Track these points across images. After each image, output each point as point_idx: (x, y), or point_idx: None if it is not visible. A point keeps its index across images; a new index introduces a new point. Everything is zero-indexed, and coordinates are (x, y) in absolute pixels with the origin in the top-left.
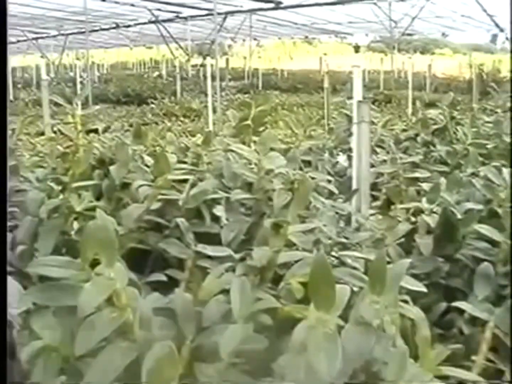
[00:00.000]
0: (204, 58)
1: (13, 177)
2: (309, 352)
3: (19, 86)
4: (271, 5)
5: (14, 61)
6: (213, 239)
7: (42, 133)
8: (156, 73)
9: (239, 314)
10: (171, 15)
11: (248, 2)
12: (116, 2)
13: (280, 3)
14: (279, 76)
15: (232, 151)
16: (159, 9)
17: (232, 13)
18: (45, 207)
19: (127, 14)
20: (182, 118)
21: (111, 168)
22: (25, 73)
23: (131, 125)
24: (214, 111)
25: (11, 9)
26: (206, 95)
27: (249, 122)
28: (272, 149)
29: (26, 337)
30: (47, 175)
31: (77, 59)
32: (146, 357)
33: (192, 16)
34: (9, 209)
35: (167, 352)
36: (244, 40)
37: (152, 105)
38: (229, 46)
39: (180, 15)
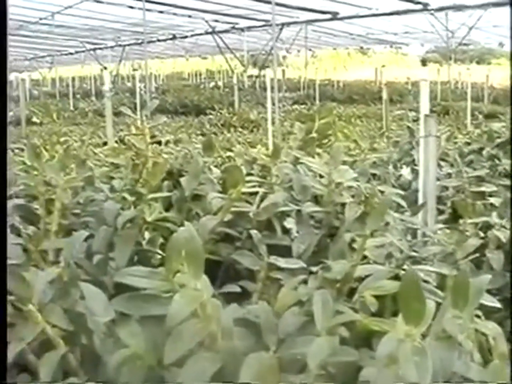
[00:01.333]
0: (261, 69)
1: (88, 186)
2: (401, 365)
3: (78, 96)
4: (328, 16)
5: (72, 71)
6: (283, 251)
7: (105, 143)
8: (212, 84)
9: (322, 326)
10: (227, 26)
11: (305, 13)
12: (174, 14)
13: (337, 13)
14: (335, 87)
15: (302, 163)
16: (216, 20)
17: (288, 24)
18: (121, 217)
19: (184, 25)
20: (240, 129)
21: (182, 179)
22: (83, 83)
23: (190, 136)
24: (272, 122)
25: (72, 21)
26: (262, 106)
27: (314, 134)
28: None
29: (110, 345)
30: (119, 185)
31: (135, 69)
32: (245, 367)
33: (248, 27)
34: (84, 219)
35: (266, 363)
36: (298, 51)
37: (210, 116)
38: (284, 57)
39: (236, 26)
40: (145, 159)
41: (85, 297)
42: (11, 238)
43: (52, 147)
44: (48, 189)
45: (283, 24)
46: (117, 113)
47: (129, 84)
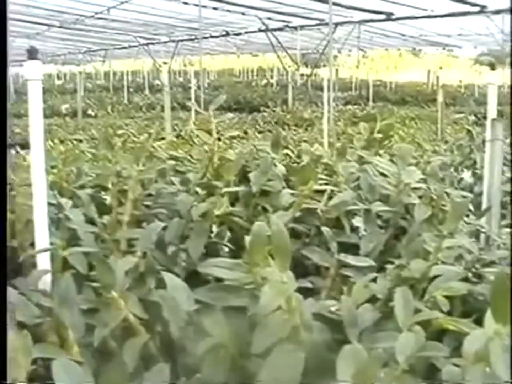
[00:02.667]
0: (313, 68)
1: (161, 179)
2: (492, 363)
3: (131, 90)
4: (382, 16)
5: (123, 65)
6: (350, 249)
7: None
8: (264, 81)
9: (403, 323)
10: (280, 24)
11: (359, 13)
12: (228, 11)
13: (392, 14)
14: (387, 87)
15: (367, 163)
16: (269, 18)
17: (342, 23)
18: (196, 210)
19: (237, 22)
20: (294, 127)
21: (251, 174)
22: (135, 77)
23: (245, 132)
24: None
25: (127, 16)
26: (315, 104)
27: (376, 135)
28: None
29: (192, 333)
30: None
31: (191, 65)
32: (341, 359)
33: (302, 26)
34: (156, 210)
35: (362, 355)
36: (350, 51)
37: (264, 113)
38: (335, 56)
39: (290, 25)
40: (212, 154)
41: (168, 286)
42: (85, 227)
43: (111, 139)
44: (120, 180)
45: (337, 24)
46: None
47: (181, 79)
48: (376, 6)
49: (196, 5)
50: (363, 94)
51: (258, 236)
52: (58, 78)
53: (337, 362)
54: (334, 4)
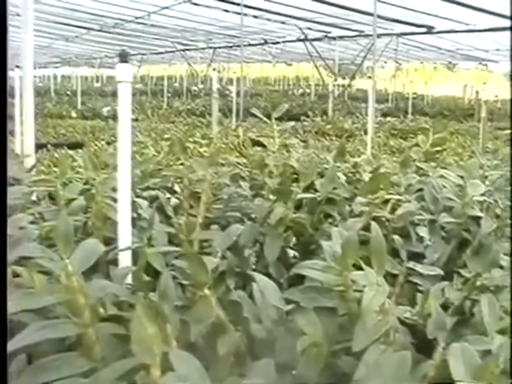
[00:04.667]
0: (351, 79)
1: (233, 183)
2: None
3: (168, 94)
4: (423, 29)
5: (159, 70)
6: (413, 258)
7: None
8: (301, 91)
9: (490, 327)
10: (319, 34)
11: (399, 25)
12: (268, 20)
13: (432, 28)
14: (425, 101)
15: (427, 175)
16: (309, 28)
17: (380, 35)
18: (273, 215)
19: (276, 31)
20: (334, 138)
21: (318, 182)
22: (172, 82)
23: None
24: (365, 132)
25: (167, 22)
26: (354, 115)
27: (430, 148)
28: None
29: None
30: (256, 184)
31: (234, 72)
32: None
33: (340, 37)
34: (228, 213)
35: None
36: (385, 62)
37: (303, 123)
38: (370, 68)
39: (329, 35)
40: (275, 160)
41: (259, 286)
42: (160, 227)
43: (157, 143)
44: (191, 183)
45: (378, 36)
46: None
47: (217, 86)
48: (417, 19)
49: (237, 13)
50: (401, 107)
51: (351, 240)
52: (96, 80)
53: (449, 361)
54: (378, 16)
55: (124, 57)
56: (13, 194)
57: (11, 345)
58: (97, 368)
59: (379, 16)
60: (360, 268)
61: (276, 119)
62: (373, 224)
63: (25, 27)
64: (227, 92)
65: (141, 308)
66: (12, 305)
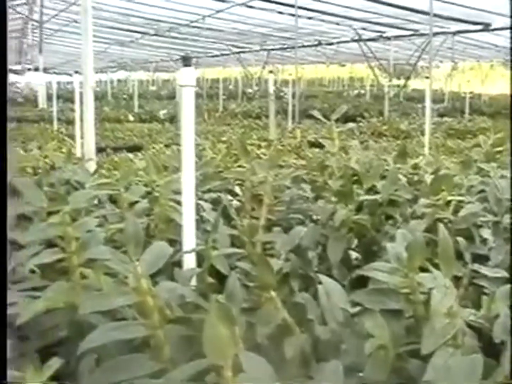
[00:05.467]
0: (406, 79)
1: (295, 185)
2: None
3: (223, 97)
4: (479, 27)
5: (213, 73)
6: (476, 259)
7: (259, 145)
8: (356, 92)
9: None
10: (374, 35)
11: (455, 24)
12: (322, 20)
13: (489, 25)
14: (481, 100)
15: (489, 176)
16: (364, 28)
17: (437, 34)
18: (336, 217)
19: (330, 32)
20: (390, 139)
21: (380, 184)
22: (227, 85)
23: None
24: (422, 133)
25: (221, 25)
26: (410, 116)
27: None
28: None
29: (350, 334)
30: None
31: (289, 74)
32: None
33: (395, 36)
34: (290, 215)
35: None
36: (441, 62)
37: (359, 124)
38: (426, 67)
39: (384, 35)
40: (337, 162)
41: (325, 289)
42: (223, 229)
43: (213, 146)
44: (252, 185)
45: (433, 34)
46: (266, 116)
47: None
48: (473, 16)
49: (291, 14)
50: (457, 106)
51: (417, 242)
52: (152, 84)
53: None
54: (434, 15)
55: (187, 61)
56: (78, 198)
57: (83, 345)
58: (165, 370)
59: (434, 15)
60: (425, 270)
61: (329, 120)
62: (440, 226)
63: (84, 34)
64: (282, 93)
65: (214, 310)
66: (82, 307)
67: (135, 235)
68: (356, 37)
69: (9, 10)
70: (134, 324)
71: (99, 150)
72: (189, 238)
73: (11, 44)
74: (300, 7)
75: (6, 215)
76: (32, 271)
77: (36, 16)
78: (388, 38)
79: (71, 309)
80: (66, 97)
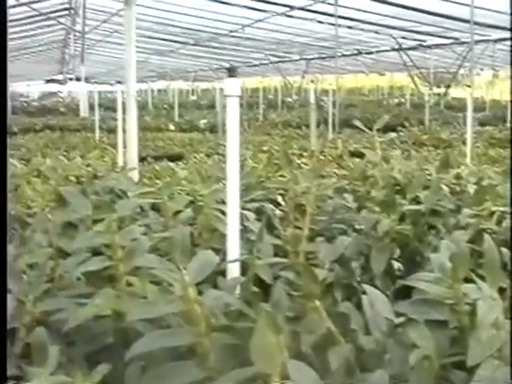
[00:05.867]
0: (447, 88)
1: (337, 195)
2: None
3: (263, 106)
4: None
5: (254, 82)
6: None
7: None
8: (396, 101)
9: None
10: (414, 43)
11: (496, 31)
12: (362, 30)
13: None
14: None
15: None
16: (403, 37)
17: (478, 42)
18: (380, 227)
19: (370, 41)
20: (431, 148)
21: (423, 194)
22: (267, 94)
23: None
24: (463, 142)
25: (261, 34)
26: (451, 125)
27: None
28: None
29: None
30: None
31: (330, 84)
32: None
33: (435, 45)
34: (333, 225)
35: None
36: (481, 70)
37: (400, 133)
38: (466, 75)
39: (424, 44)
40: (379, 171)
41: (369, 299)
42: (266, 238)
43: (254, 156)
44: (295, 195)
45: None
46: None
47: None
48: None
49: (331, 24)
50: (498, 115)
51: (462, 253)
52: (192, 94)
53: None
54: (475, 23)
55: (232, 72)
56: (124, 206)
57: (131, 352)
58: (210, 377)
59: (475, 23)
60: (468, 281)
61: (370, 129)
62: (486, 237)
63: (127, 44)
64: (321, 103)
65: (262, 319)
66: (130, 314)
67: (182, 244)
68: (396, 46)
69: (52, 22)
70: (181, 331)
71: (140, 159)
72: (233, 248)
73: (54, 54)
74: (339, 17)
75: (6, 215)
76: (78, 278)
77: (78, 27)
78: (428, 47)
79: (117, 316)
80: (107, 106)
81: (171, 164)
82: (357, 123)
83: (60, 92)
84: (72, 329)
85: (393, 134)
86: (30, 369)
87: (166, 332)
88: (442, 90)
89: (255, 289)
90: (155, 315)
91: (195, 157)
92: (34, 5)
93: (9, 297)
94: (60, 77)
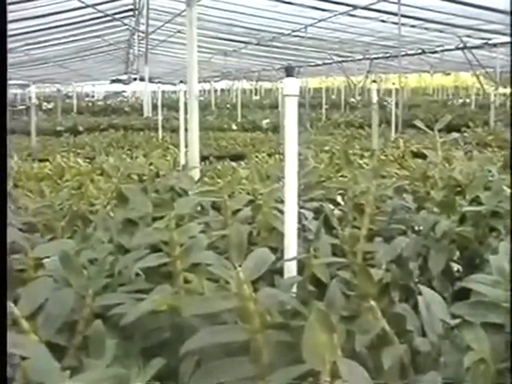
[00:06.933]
0: None
1: (397, 195)
2: None
3: (326, 107)
4: None
5: (316, 82)
6: None
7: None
8: (461, 101)
9: None
10: (479, 42)
11: None
12: (425, 29)
13: None
14: None
15: None
16: (468, 36)
17: None
18: (438, 228)
19: (434, 40)
20: (496, 149)
21: (483, 195)
22: (330, 95)
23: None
24: None
25: (323, 34)
26: None
27: None
28: None
29: (449, 346)
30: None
31: (393, 83)
32: None
33: (502, 43)
34: (392, 226)
35: None
36: None
37: (464, 134)
38: None
39: (489, 42)
40: (440, 172)
41: (425, 300)
42: (324, 238)
43: (317, 155)
44: (354, 195)
45: None
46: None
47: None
48: None
49: (394, 23)
50: None
51: None
52: (255, 93)
53: None
54: None
55: (290, 72)
56: (182, 204)
57: (186, 346)
58: (263, 374)
59: None
60: None
61: (433, 130)
62: None
63: (189, 44)
64: (385, 103)
65: (314, 317)
66: (185, 309)
67: (238, 242)
68: (461, 45)
69: (117, 23)
70: (235, 328)
71: (202, 158)
72: (291, 247)
73: (118, 55)
74: (403, 15)
75: (6, 216)
76: (137, 274)
77: (142, 28)
78: (494, 45)
79: (173, 311)
80: (170, 106)
81: (233, 164)
82: (418, 123)
83: (125, 92)
84: (129, 324)
85: (456, 135)
86: (87, 361)
87: (222, 328)
88: (509, 90)
89: (312, 288)
90: (210, 311)
91: (256, 157)
92: (99, 7)
93: (69, 291)
94: (124, 77)
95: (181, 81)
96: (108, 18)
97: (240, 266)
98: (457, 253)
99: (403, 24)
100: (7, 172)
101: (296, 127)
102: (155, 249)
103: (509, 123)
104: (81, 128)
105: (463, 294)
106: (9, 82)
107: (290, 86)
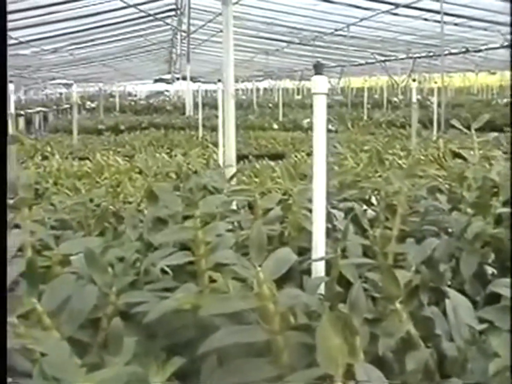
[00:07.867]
0: None
1: (431, 195)
2: None
3: (368, 106)
4: None
5: (359, 81)
6: None
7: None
8: (505, 100)
9: None
10: None
11: None
12: (469, 27)
13: None
14: None
15: None
16: None
17: None
18: (470, 230)
19: (478, 38)
20: None
21: None
22: (372, 94)
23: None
24: None
25: (366, 33)
26: None
27: None
28: None
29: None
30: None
31: (435, 82)
32: None
33: None
34: (424, 227)
35: None
36: None
37: (507, 133)
38: None
39: None
40: (474, 172)
41: (452, 304)
42: (355, 238)
43: (356, 155)
44: (387, 195)
45: None
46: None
47: (418, 97)
48: None
49: (437, 21)
50: None
51: None
52: (297, 93)
53: None
54: None
55: (319, 69)
56: (208, 203)
57: (206, 345)
58: (282, 375)
59: None
60: None
61: (478, 130)
62: None
63: (225, 43)
64: (428, 102)
65: (328, 319)
66: (205, 308)
67: (259, 241)
68: (506, 43)
69: (159, 22)
70: (255, 328)
71: (242, 157)
72: (319, 246)
73: (161, 54)
74: (446, 13)
75: (6, 216)
76: (165, 272)
77: (184, 27)
78: None
79: (197, 311)
80: (211, 104)
81: (272, 163)
82: (455, 122)
83: (167, 91)
84: (152, 322)
85: (495, 134)
86: (108, 358)
87: (242, 328)
88: None
89: (340, 289)
90: (229, 311)
91: (295, 156)
92: (141, 7)
93: (92, 288)
94: (167, 76)
95: (218, 80)
96: (150, 18)
97: (260, 265)
98: (492, 256)
99: (446, 23)
100: (7, 173)
101: (325, 125)
102: (184, 247)
103: None
104: (122, 127)
105: (495, 298)
106: (54, 81)
107: (319, 84)
